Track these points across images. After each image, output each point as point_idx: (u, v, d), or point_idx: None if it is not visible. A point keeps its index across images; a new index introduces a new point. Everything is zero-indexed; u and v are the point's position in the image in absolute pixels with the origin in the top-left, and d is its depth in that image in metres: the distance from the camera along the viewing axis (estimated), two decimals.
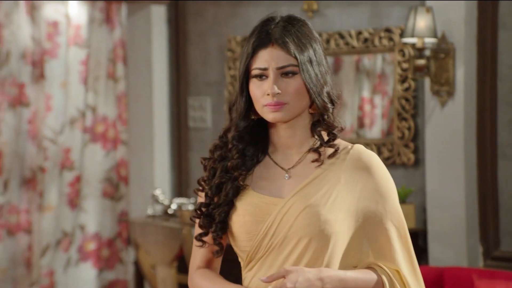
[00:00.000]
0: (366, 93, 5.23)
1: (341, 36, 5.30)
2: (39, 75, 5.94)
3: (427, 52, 4.69)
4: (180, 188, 6.24)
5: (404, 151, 5.03)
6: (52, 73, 6.00)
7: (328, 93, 2.11)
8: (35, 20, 5.92)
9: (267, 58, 2.08)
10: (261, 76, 2.09)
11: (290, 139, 2.15)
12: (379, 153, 5.10)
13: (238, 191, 2.14)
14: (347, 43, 5.27)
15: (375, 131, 5.22)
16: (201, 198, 2.20)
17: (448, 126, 4.69)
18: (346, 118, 5.24)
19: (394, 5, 5.06)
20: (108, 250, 6.28)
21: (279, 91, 2.06)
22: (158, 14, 6.24)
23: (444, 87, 4.67)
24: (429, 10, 4.55)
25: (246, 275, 2.15)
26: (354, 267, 2.12)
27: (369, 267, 2.12)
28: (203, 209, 2.17)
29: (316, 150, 2.12)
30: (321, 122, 2.12)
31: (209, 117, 6.10)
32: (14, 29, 5.84)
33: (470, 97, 4.67)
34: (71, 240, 6.10)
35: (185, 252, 5.41)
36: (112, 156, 6.29)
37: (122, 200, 6.32)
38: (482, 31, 4.64)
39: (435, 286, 4.33)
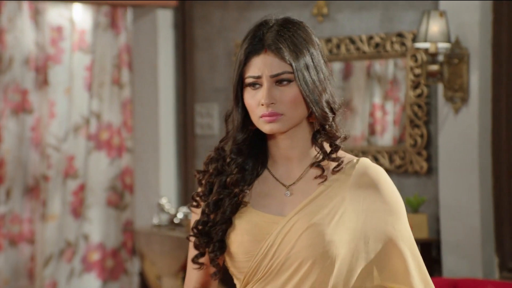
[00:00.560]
0: (377, 100, 5.23)
1: (352, 41, 5.28)
2: (43, 81, 5.97)
3: (441, 57, 4.68)
4: (186, 196, 6.22)
5: (416, 159, 5.00)
6: (56, 79, 6.03)
7: (327, 101, 1.99)
8: (38, 25, 5.95)
9: (260, 66, 1.96)
10: (255, 85, 1.98)
11: (290, 151, 2.02)
12: (391, 161, 5.13)
13: (237, 208, 2.02)
14: (358, 48, 5.26)
15: (386, 139, 5.20)
16: (196, 215, 2.07)
17: (462, 133, 4.67)
18: (356, 125, 5.30)
19: (406, 9, 5.05)
20: (113, 260, 6.28)
21: (273, 101, 1.95)
22: (164, 19, 6.25)
23: (458, 93, 4.66)
24: (442, 14, 4.54)
25: None
26: None
27: None
28: (200, 227, 2.03)
29: (318, 165, 1.99)
30: (322, 132, 2.00)
31: (216, 124, 6.10)
32: (18, 34, 5.88)
33: (484, 103, 4.65)
34: (74, 250, 6.12)
35: None
36: (117, 164, 6.30)
37: (127, 209, 6.34)
38: (497, 35, 4.62)
39: None
